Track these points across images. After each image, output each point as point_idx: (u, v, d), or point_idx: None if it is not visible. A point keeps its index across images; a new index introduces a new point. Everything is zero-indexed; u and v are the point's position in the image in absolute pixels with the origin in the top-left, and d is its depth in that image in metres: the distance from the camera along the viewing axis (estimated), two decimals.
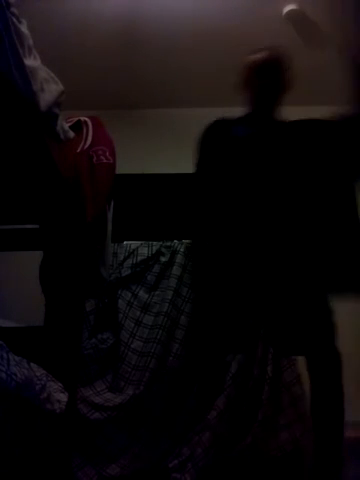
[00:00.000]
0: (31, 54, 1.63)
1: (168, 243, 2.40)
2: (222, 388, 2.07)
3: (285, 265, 1.62)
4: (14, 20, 1.47)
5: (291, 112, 3.27)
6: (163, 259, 2.34)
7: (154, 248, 2.38)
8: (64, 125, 2.01)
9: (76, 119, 2.25)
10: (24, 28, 1.57)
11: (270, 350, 2.14)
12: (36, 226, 2.27)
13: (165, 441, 2.05)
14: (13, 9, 1.47)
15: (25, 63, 1.53)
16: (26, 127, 1.69)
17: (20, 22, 1.53)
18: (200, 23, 2.73)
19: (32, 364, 1.70)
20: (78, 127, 2.21)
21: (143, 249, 2.39)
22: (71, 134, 2.06)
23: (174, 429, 2.07)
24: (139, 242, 2.43)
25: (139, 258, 2.36)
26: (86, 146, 2.13)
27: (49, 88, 1.77)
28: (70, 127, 2.11)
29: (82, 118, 2.26)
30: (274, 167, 1.69)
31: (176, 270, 2.29)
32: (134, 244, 2.42)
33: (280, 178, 1.67)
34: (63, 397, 1.80)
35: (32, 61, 1.63)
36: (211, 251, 1.70)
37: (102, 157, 2.12)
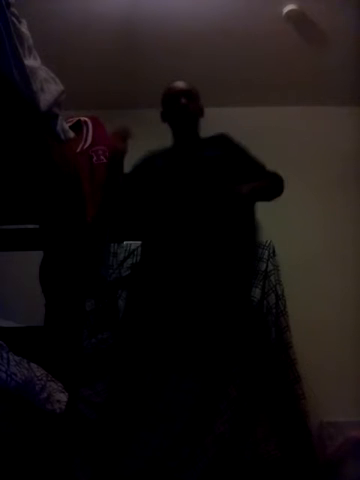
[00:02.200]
0: (31, 54, 1.63)
1: None
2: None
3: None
4: (14, 20, 1.47)
5: (291, 112, 3.29)
6: None
7: None
8: (64, 125, 2.00)
9: (76, 119, 2.25)
10: (24, 28, 1.57)
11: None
12: (36, 226, 2.27)
13: (165, 441, 2.05)
14: (13, 9, 1.47)
15: (25, 63, 1.52)
16: (26, 127, 1.69)
17: (20, 22, 1.53)
18: (200, 23, 2.72)
19: (32, 364, 1.70)
20: (78, 127, 2.20)
21: None
22: (71, 134, 2.06)
23: (174, 429, 2.07)
24: (139, 242, 2.43)
25: (139, 258, 2.35)
26: (86, 146, 2.13)
27: (49, 88, 1.77)
28: (70, 127, 2.11)
29: (82, 118, 2.26)
30: (183, 192, 1.93)
31: None
32: (134, 244, 2.42)
33: (188, 202, 1.91)
34: (63, 397, 1.80)
35: (32, 61, 1.63)
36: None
37: (102, 157, 2.11)
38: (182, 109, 1.99)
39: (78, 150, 2.10)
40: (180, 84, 2.07)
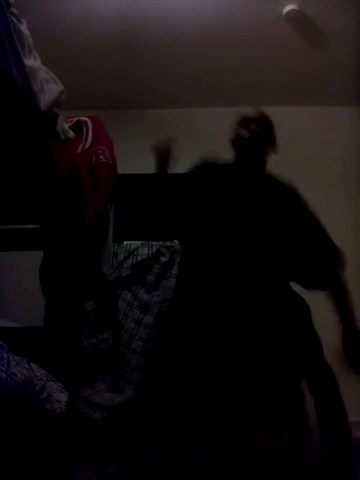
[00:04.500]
0: (31, 54, 1.63)
1: (168, 243, 2.40)
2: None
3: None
4: (14, 20, 1.47)
5: (291, 112, 3.29)
6: (163, 259, 2.34)
7: (154, 248, 2.38)
8: (64, 125, 2.00)
9: (76, 119, 2.25)
10: (24, 28, 1.57)
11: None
12: (36, 226, 2.27)
13: (165, 441, 2.05)
14: (13, 9, 1.47)
15: (25, 63, 1.52)
16: (26, 127, 1.69)
17: (20, 22, 1.53)
18: (200, 23, 2.73)
19: (32, 364, 1.70)
20: (78, 127, 2.20)
21: (143, 249, 2.39)
22: (71, 134, 2.05)
23: (174, 429, 2.06)
24: (139, 242, 2.43)
25: (139, 258, 2.35)
26: (86, 147, 2.13)
27: (49, 88, 1.77)
28: (70, 127, 2.11)
29: (82, 118, 2.26)
30: (240, 216, 1.93)
31: (176, 270, 2.29)
32: (134, 244, 2.42)
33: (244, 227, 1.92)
34: (63, 397, 1.80)
35: (32, 61, 1.63)
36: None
37: (101, 157, 2.11)
38: (251, 135, 1.95)
39: (78, 150, 2.10)
40: (252, 111, 2.04)
